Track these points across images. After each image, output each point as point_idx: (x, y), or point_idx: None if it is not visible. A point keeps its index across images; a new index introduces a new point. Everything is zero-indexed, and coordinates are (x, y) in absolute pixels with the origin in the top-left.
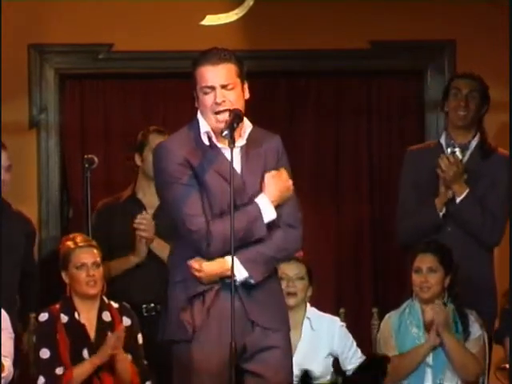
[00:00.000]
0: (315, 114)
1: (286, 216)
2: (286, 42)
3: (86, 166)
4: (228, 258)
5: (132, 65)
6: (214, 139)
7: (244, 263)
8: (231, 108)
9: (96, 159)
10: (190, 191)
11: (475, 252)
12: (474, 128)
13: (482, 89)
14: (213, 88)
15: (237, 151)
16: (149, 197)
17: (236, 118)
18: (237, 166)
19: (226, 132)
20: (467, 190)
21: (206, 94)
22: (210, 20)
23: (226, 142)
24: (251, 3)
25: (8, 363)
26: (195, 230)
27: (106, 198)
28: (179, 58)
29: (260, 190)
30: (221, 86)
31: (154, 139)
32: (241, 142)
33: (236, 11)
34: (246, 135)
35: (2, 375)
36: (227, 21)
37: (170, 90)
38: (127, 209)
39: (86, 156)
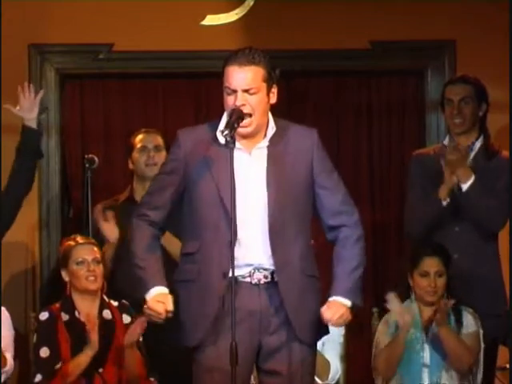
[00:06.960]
0: (315, 114)
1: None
2: (286, 42)
3: (87, 165)
4: None
5: (132, 65)
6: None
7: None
8: (235, 108)
9: (96, 159)
10: (159, 181)
11: (483, 251)
12: (476, 129)
13: (477, 91)
14: (234, 91)
15: (258, 153)
16: None
17: (237, 117)
18: (258, 167)
19: (226, 132)
20: (473, 177)
21: (228, 94)
22: (210, 20)
23: (243, 142)
24: (251, 3)
25: (9, 356)
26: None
27: (104, 200)
28: (179, 58)
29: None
30: (242, 90)
31: (141, 140)
32: (263, 143)
33: (236, 11)
34: (268, 137)
35: (5, 369)
36: (227, 21)
37: (170, 89)
38: (125, 210)
39: (86, 156)
